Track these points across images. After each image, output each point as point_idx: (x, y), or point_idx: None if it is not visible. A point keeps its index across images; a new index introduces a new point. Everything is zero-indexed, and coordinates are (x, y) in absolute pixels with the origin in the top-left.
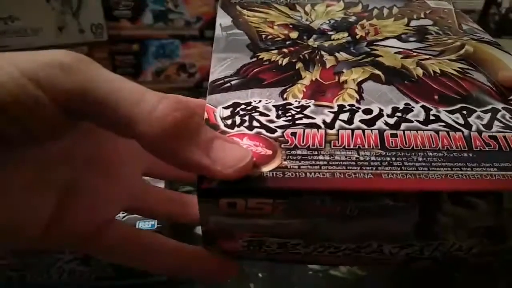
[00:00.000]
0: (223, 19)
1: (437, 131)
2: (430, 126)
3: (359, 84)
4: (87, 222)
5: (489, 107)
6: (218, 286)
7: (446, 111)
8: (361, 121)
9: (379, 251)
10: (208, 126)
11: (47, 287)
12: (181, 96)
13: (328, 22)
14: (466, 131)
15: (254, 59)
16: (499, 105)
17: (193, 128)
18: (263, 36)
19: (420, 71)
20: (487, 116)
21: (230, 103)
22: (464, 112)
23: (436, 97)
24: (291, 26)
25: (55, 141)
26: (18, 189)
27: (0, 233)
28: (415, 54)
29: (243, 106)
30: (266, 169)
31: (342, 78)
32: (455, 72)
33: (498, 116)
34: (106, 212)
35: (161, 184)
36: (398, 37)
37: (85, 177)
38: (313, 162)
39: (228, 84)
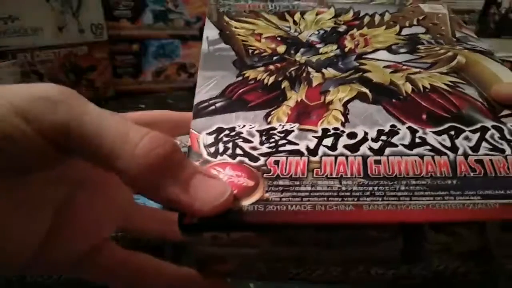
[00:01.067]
0: (210, 31)
1: (422, 156)
2: (415, 151)
3: (345, 104)
4: (80, 243)
5: (479, 125)
6: None
7: (433, 132)
8: (345, 146)
9: (366, 272)
10: (189, 160)
11: (47, 287)
12: (159, 134)
13: (317, 33)
14: (452, 155)
15: (240, 78)
16: (489, 123)
17: (174, 165)
18: (250, 51)
19: (409, 87)
20: (475, 137)
21: (214, 128)
22: (452, 132)
23: (424, 116)
24: (278, 38)
25: (46, 169)
26: (8, 212)
27: None
28: (404, 67)
29: (227, 132)
30: (247, 202)
31: (328, 98)
32: (445, 87)
33: (487, 136)
34: (100, 233)
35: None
36: (388, 49)
37: (78, 199)
38: (295, 194)
39: (213, 107)
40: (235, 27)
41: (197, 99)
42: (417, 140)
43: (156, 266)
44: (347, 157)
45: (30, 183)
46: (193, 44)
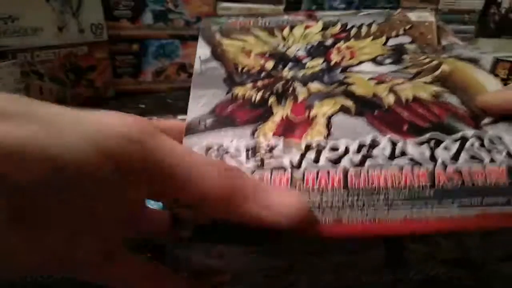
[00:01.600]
0: (202, 50)
1: (401, 167)
2: (395, 162)
3: (329, 118)
4: (92, 246)
5: (459, 135)
6: None
7: (414, 143)
8: (327, 159)
9: (358, 279)
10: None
11: (48, 286)
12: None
13: (304, 47)
14: (430, 166)
15: (229, 95)
16: (470, 132)
17: (248, 189)
18: (240, 68)
19: (391, 99)
20: (454, 146)
21: (202, 145)
22: (432, 143)
23: (405, 127)
24: (267, 55)
25: None
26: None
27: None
28: (388, 79)
29: (215, 148)
30: None
31: (313, 113)
32: (428, 97)
33: (467, 145)
34: (111, 238)
35: None
36: (374, 60)
37: (85, 208)
38: None
39: (203, 125)
40: (226, 45)
41: (188, 118)
42: (397, 152)
43: (165, 274)
44: (328, 170)
45: None
46: (193, 44)
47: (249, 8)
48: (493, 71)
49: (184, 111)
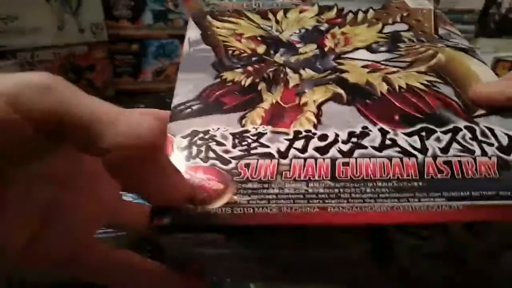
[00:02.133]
0: (192, 31)
1: (390, 158)
2: (384, 152)
3: (319, 106)
4: (67, 241)
5: (451, 126)
6: (218, 286)
7: (404, 133)
8: (315, 148)
9: (339, 271)
10: (165, 153)
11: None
12: (149, 118)
13: (298, 32)
14: (420, 157)
15: (218, 80)
16: (462, 124)
17: (152, 153)
18: (230, 52)
19: (384, 87)
20: (446, 138)
21: (188, 131)
22: (423, 133)
23: (396, 117)
24: (259, 38)
25: (36, 161)
26: None
27: None
28: (382, 67)
29: (201, 135)
30: (216, 204)
31: (303, 100)
32: (421, 86)
33: (458, 137)
34: (87, 230)
35: None
36: (368, 47)
37: (64, 198)
38: (262, 196)
39: (189, 110)
40: (217, 27)
41: (174, 102)
42: (387, 142)
43: (141, 263)
44: (316, 159)
45: (16, 182)
46: None
47: None
48: (493, 70)
49: None
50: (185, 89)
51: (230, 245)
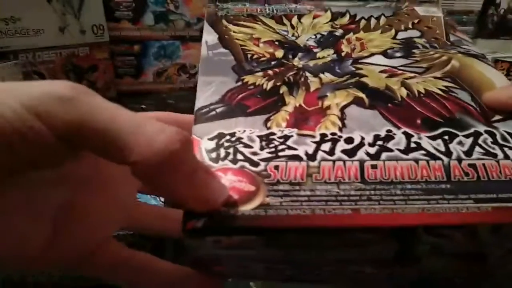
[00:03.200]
0: (209, 36)
1: (417, 161)
2: (411, 155)
3: (342, 109)
4: (83, 242)
5: (472, 130)
6: None
7: (428, 137)
8: (343, 151)
9: (360, 271)
10: (197, 158)
11: (48, 286)
12: (176, 129)
13: (314, 37)
14: (446, 160)
15: (239, 83)
16: (482, 128)
17: (186, 162)
18: (249, 55)
19: (404, 92)
20: (468, 141)
21: (215, 134)
22: (446, 137)
23: (418, 121)
24: (276, 43)
25: (55, 167)
26: (13, 211)
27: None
28: (400, 72)
29: (227, 137)
30: (249, 206)
31: (326, 103)
32: (439, 92)
33: (480, 141)
34: (102, 232)
35: None
36: (384, 53)
37: (81, 198)
38: (295, 198)
39: (213, 113)
40: (234, 31)
41: (197, 105)
42: (412, 145)
43: (155, 264)
44: (344, 162)
45: (34, 182)
46: (194, 45)
47: None
48: None
49: (185, 112)
50: (207, 92)
51: (262, 247)
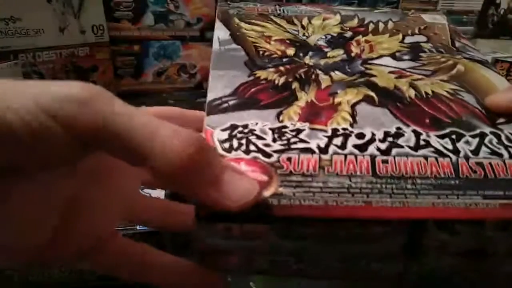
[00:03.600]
0: (221, 32)
1: (426, 157)
2: (420, 152)
3: (353, 106)
4: (88, 234)
5: (478, 131)
6: None
7: (436, 135)
8: (354, 146)
9: (367, 268)
10: (218, 156)
11: (48, 286)
12: (190, 131)
13: (324, 37)
14: (454, 157)
15: (251, 78)
16: (487, 129)
17: (205, 163)
18: (261, 52)
19: (412, 92)
20: (475, 141)
21: (227, 125)
22: (453, 136)
23: (427, 120)
24: (288, 41)
25: (68, 166)
26: (21, 204)
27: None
28: (408, 74)
29: (240, 129)
30: (263, 195)
31: (337, 100)
32: (446, 94)
33: (486, 141)
34: (107, 224)
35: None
36: (393, 56)
37: (86, 190)
38: (307, 189)
39: (226, 105)
40: (245, 29)
41: (210, 97)
42: (422, 142)
43: (158, 257)
44: (356, 156)
45: (40, 179)
46: (194, 45)
47: None
48: None
49: None
50: (220, 85)
51: (273, 237)
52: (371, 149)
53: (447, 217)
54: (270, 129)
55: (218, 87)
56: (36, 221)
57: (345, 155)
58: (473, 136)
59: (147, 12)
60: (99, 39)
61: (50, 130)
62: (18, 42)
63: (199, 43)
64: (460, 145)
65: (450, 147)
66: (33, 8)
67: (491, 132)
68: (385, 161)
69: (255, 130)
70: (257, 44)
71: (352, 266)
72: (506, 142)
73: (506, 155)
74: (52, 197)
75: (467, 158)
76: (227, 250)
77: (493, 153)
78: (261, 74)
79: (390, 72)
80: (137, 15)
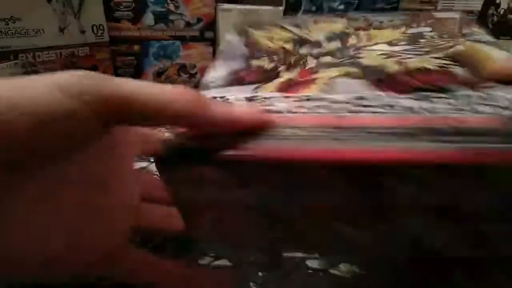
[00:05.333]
0: (231, 36)
1: (396, 114)
2: (392, 110)
3: (331, 79)
4: (99, 243)
5: (460, 94)
6: None
7: (414, 98)
8: (324, 107)
9: (342, 233)
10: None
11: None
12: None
13: (326, 35)
14: (426, 113)
15: (245, 65)
16: (471, 92)
17: (208, 100)
18: (261, 48)
19: (397, 67)
20: (451, 100)
21: (209, 97)
22: (430, 97)
23: (407, 90)
24: (288, 39)
25: (79, 154)
26: (36, 201)
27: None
28: (398, 55)
29: (217, 100)
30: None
31: (316, 75)
32: (435, 68)
33: (465, 101)
34: (115, 233)
35: None
36: (388, 42)
37: (95, 197)
38: (265, 139)
39: (214, 84)
40: (255, 34)
41: (204, 79)
42: (397, 103)
43: (157, 263)
44: (323, 113)
45: (55, 176)
46: (194, 45)
47: (248, 9)
48: None
49: None
50: (216, 71)
51: (226, 182)
52: (342, 110)
53: (416, 159)
54: (245, 97)
55: (214, 73)
56: (49, 221)
57: (311, 113)
58: (456, 98)
59: (147, 12)
60: (99, 39)
61: (68, 106)
62: (18, 42)
63: (199, 43)
64: (435, 102)
65: (424, 105)
66: (33, 8)
67: (473, 94)
68: (352, 117)
69: (229, 99)
70: (261, 43)
71: (326, 232)
72: (482, 101)
73: (481, 109)
74: (63, 199)
75: (440, 112)
76: (195, 204)
77: (472, 110)
78: (255, 62)
79: (381, 54)
80: (137, 15)
